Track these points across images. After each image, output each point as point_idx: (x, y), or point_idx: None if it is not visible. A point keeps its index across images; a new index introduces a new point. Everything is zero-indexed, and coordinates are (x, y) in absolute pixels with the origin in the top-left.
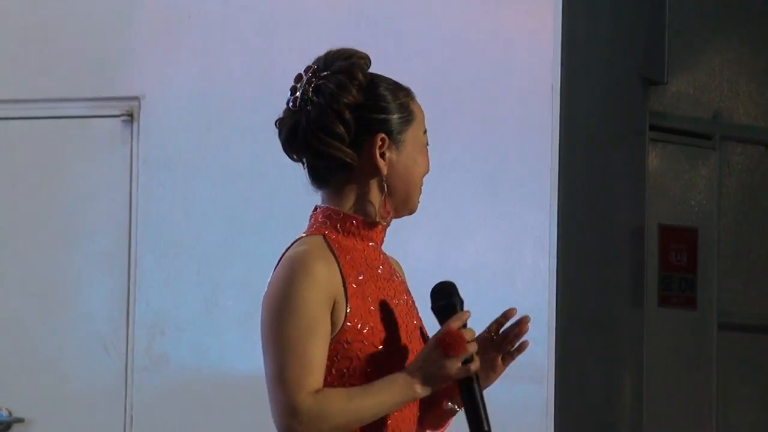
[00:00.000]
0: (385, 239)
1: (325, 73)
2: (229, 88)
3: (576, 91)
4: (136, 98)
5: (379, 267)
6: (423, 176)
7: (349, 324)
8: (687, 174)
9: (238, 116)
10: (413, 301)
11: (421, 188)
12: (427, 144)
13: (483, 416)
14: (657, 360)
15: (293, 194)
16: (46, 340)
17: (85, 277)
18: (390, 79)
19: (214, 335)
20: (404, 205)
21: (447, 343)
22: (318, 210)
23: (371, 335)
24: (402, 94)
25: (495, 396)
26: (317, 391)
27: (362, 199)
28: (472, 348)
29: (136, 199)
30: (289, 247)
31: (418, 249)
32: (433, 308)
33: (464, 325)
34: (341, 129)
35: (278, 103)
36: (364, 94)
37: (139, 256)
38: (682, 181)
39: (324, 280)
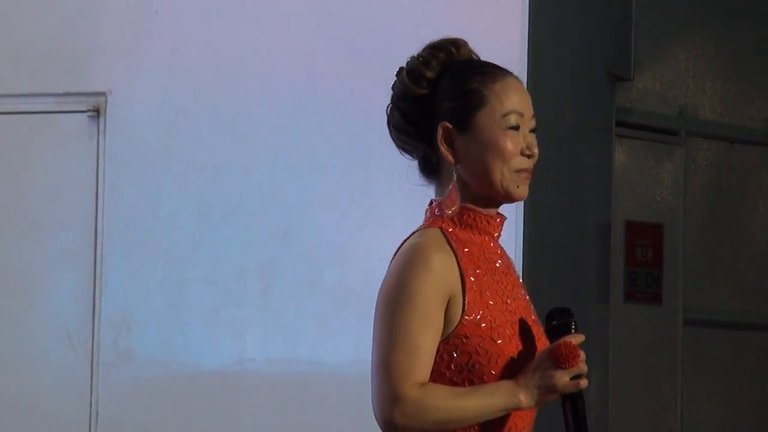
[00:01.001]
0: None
1: (399, 70)
2: (197, 84)
3: (542, 88)
4: (102, 94)
5: (497, 261)
6: (506, 159)
7: (467, 318)
8: (653, 170)
9: (206, 112)
10: (528, 298)
11: (513, 171)
12: (516, 127)
13: (585, 430)
14: (622, 355)
15: (260, 191)
16: (12, 335)
17: (51, 272)
18: (472, 63)
19: (180, 331)
20: (489, 191)
21: (562, 354)
22: (433, 203)
23: (489, 329)
24: (477, 79)
25: None
26: (422, 384)
27: (461, 190)
28: (584, 366)
29: (102, 195)
30: (406, 240)
31: (385, 245)
32: (546, 329)
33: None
34: (405, 125)
35: (246, 99)
36: (430, 85)
37: (105, 251)
38: (648, 177)
39: (441, 273)
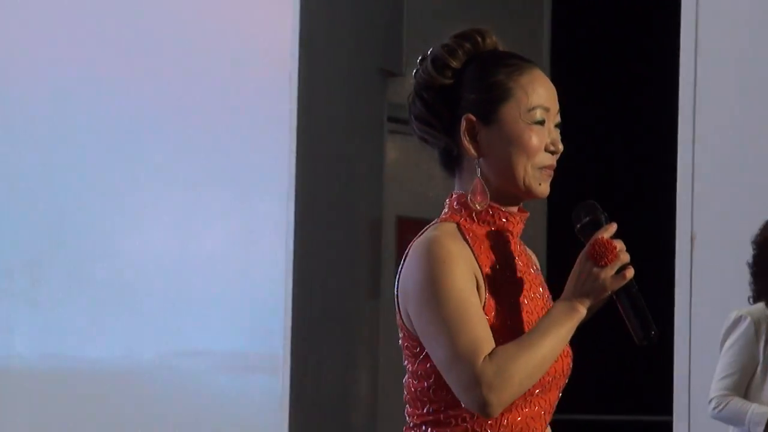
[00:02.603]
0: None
1: (422, 59)
2: None
3: (315, 82)
4: None
5: (515, 257)
6: (530, 154)
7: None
8: (425, 166)
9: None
10: (549, 296)
11: (538, 167)
12: (541, 122)
13: (649, 319)
14: (393, 352)
15: (29, 187)
16: None
17: None
18: (498, 54)
19: None
20: (512, 186)
21: (598, 253)
22: (453, 196)
23: (503, 328)
24: (503, 71)
25: (229, 386)
26: (491, 355)
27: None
28: (625, 255)
29: None
30: (422, 233)
31: (158, 239)
32: (577, 229)
33: (612, 238)
34: (427, 114)
35: (15, 96)
36: (454, 76)
37: None
38: (420, 173)
39: (463, 256)
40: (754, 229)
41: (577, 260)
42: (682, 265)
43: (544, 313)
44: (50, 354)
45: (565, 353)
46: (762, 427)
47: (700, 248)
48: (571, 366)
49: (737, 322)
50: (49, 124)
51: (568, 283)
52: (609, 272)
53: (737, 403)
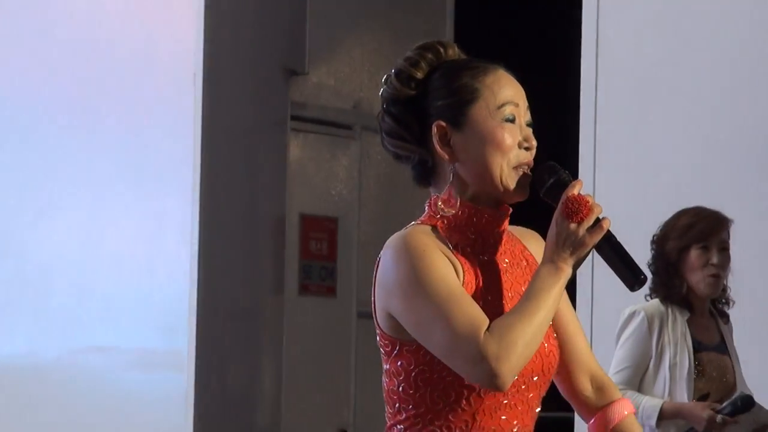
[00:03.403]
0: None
1: (386, 76)
2: None
3: (218, 81)
4: None
5: (494, 256)
6: (504, 152)
7: None
8: (328, 164)
9: None
10: None
11: (510, 164)
12: (512, 119)
13: (636, 264)
14: (297, 348)
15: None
16: None
17: None
18: (461, 60)
19: None
20: (489, 188)
21: (572, 210)
22: (431, 199)
23: None
24: (467, 73)
25: (134, 383)
26: (489, 329)
27: (459, 189)
28: (598, 208)
29: None
30: (395, 235)
31: (62, 237)
32: (542, 193)
33: (580, 193)
34: (397, 128)
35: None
36: (419, 86)
37: None
38: (323, 171)
39: (438, 246)
40: (654, 229)
41: (553, 221)
42: (583, 268)
43: None
44: None
45: (548, 335)
46: (654, 420)
47: None
48: (557, 357)
49: (631, 317)
50: None
51: (546, 245)
52: (585, 226)
53: (630, 396)
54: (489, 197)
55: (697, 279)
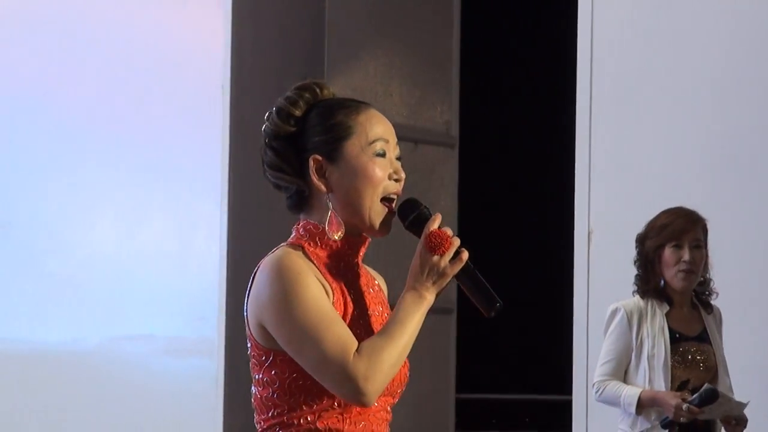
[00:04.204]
0: (362, 253)
1: (268, 113)
2: None
3: (244, 91)
4: None
5: (355, 279)
6: (375, 184)
7: None
8: None
9: None
10: (389, 312)
11: (384, 197)
12: (382, 154)
13: (492, 293)
14: None
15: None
16: None
17: None
18: (336, 100)
19: None
20: (358, 221)
21: (434, 244)
22: (300, 223)
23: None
24: (341, 112)
25: (167, 368)
26: (358, 350)
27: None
28: (456, 241)
29: None
30: (268, 255)
31: (102, 234)
32: (406, 226)
33: (440, 226)
34: (278, 161)
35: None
36: (298, 123)
37: None
38: None
39: (309, 269)
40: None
41: (416, 254)
42: (580, 258)
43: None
44: (1, 338)
45: (404, 364)
46: (633, 407)
47: (596, 243)
48: (408, 375)
49: (614, 314)
50: (1, 131)
51: (410, 275)
52: (447, 258)
53: (613, 386)
54: (355, 228)
55: (671, 275)
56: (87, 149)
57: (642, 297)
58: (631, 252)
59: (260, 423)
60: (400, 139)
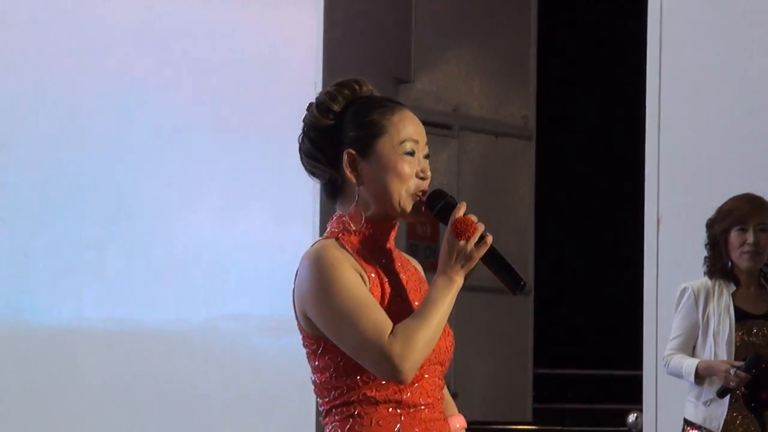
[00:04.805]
0: (394, 237)
1: (309, 104)
2: (34, 86)
3: None
4: None
5: (389, 262)
6: (403, 180)
7: None
8: (432, 159)
9: (45, 109)
10: (425, 289)
11: (408, 191)
12: (411, 153)
13: (516, 272)
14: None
15: (96, 175)
16: None
17: None
18: (373, 98)
19: (25, 294)
20: (389, 209)
21: (460, 230)
22: (334, 217)
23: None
24: (377, 111)
25: (263, 346)
26: (393, 331)
27: (363, 208)
28: (481, 226)
29: None
30: (308, 250)
31: (204, 222)
32: (434, 214)
33: (465, 213)
34: (314, 151)
35: (82, 95)
36: (336, 118)
37: None
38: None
39: (346, 258)
40: (713, 211)
41: (444, 240)
42: (650, 242)
43: (419, 304)
44: (113, 318)
45: (447, 333)
46: (692, 377)
47: (664, 229)
48: (453, 344)
49: (683, 293)
50: (114, 125)
51: (440, 260)
52: (472, 243)
53: (677, 359)
54: (386, 216)
55: (737, 256)
56: (191, 145)
57: (710, 277)
58: (696, 237)
59: (323, 406)
60: (480, 131)
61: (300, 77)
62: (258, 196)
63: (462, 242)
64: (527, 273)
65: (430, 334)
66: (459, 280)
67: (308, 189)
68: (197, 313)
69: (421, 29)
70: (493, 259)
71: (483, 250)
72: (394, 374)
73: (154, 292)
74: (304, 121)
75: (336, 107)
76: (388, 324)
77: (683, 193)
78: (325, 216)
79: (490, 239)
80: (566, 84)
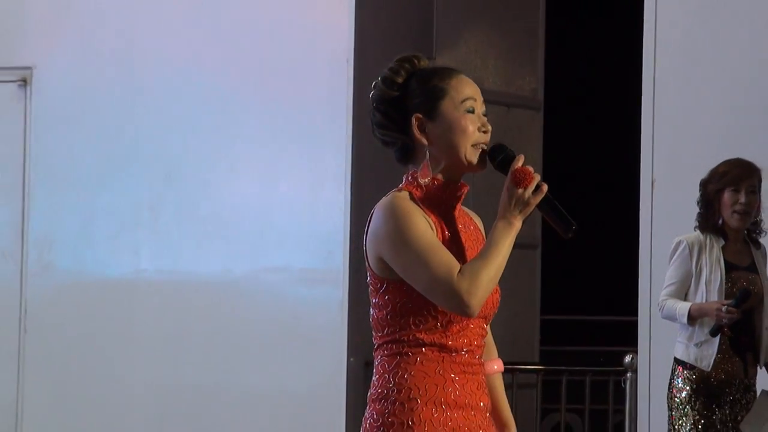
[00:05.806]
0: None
1: (374, 82)
2: (103, 59)
3: (366, 65)
4: (29, 68)
5: (453, 220)
6: (467, 135)
7: None
8: None
9: (109, 82)
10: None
11: (475, 145)
12: (472, 110)
13: (568, 218)
14: None
15: (150, 141)
16: None
17: None
18: (432, 68)
19: (90, 248)
20: (457, 163)
21: (518, 178)
22: (408, 173)
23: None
24: (437, 77)
25: (300, 296)
26: (461, 269)
27: (433, 166)
28: (537, 176)
29: (29, 145)
30: (381, 200)
31: (247, 183)
32: (495, 166)
33: (523, 164)
34: (385, 121)
35: (141, 72)
36: (400, 89)
37: (31, 188)
38: None
39: (416, 209)
40: (702, 174)
41: (504, 188)
42: (644, 200)
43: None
44: (167, 270)
45: (495, 290)
46: (686, 318)
47: (658, 188)
48: (499, 300)
49: (678, 245)
50: (167, 99)
51: (500, 207)
52: (530, 191)
53: (670, 303)
54: (456, 171)
55: (728, 214)
56: (237, 114)
57: (702, 232)
58: (687, 195)
59: (377, 339)
60: (494, 103)
61: (334, 54)
62: (295, 161)
63: (520, 190)
64: (534, 230)
65: (493, 273)
66: (517, 224)
67: (341, 153)
68: (241, 266)
69: (442, 11)
70: (547, 205)
71: (539, 197)
72: (463, 308)
73: (203, 247)
74: (372, 97)
75: (399, 79)
76: (456, 264)
77: (674, 159)
78: (356, 180)
79: (545, 187)
80: (572, 60)
